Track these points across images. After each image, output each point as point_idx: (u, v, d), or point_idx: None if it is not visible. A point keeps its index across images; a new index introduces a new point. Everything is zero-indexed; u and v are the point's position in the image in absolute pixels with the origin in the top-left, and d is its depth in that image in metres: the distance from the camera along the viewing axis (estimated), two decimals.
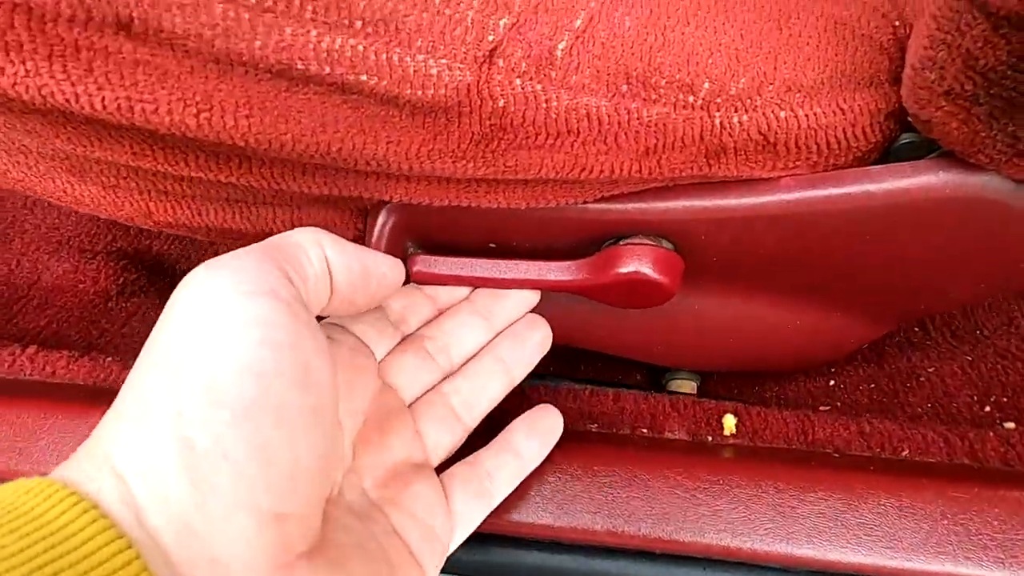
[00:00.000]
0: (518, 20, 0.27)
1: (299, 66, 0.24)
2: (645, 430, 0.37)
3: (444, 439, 0.33)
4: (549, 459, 0.34)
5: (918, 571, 0.31)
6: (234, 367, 0.22)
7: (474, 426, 0.34)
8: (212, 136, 0.25)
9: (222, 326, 0.22)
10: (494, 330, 0.36)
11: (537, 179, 0.30)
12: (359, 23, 0.25)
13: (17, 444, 0.38)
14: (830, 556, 0.31)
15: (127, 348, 0.52)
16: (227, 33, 0.23)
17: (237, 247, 0.26)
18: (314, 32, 0.24)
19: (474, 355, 0.36)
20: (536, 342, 0.36)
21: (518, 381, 0.36)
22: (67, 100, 0.24)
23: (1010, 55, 0.22)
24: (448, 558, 0.31)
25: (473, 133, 0.27)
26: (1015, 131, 0.25)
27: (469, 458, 0.33)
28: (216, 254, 0.61)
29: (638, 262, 0.33)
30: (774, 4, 0.31)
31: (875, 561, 0.31)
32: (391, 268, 0.30)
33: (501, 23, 0.27)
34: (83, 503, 0.20)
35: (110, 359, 0.43)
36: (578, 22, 0.28)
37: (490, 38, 0.26)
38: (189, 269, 0.65)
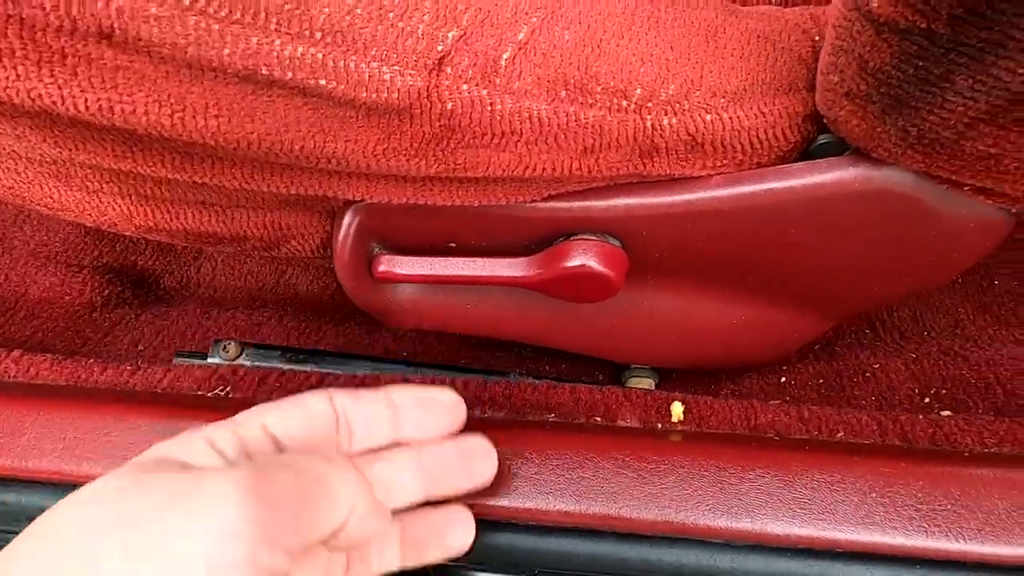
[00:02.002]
0: (466, 32, 0.30)
1: (264, 72, 0.27)
2: (599, 419, 0.39)
3: None
4: (506, 446, 0.37)
5: (849, 541, 0.33)
6: None
7: None
8: (185, 135, 0.28)
9: None
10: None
11: (486, 177, 0.32)
12: (319, 34, 0.27)
13: (1, 440, 0.40)
14: (768, 529, 0.34)
15: (109, 355, 0.54)
16: (199, 42, 0.26)
17: (217, 250, 0.28)
18: (278, 41, 0.27)
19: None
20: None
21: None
22: (54, 102, 0.26)
23: (892, 56, 0.25)
24: None
25: (424, 133, 0.30)
26: (904, 125, 0.27)
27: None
28: (199, 268, 0.63)
29: (584, 256, 0.35)
30: (703, 20, 0.34)
31: (809, 532, 0.33)
32: None
33: (450, 35, 0.30)
34: None
35: (91, 360, 0.45)
36: (521, 35, 0.31)
37: (439, 48, 0.29)
38: (173, 283, 0.66)
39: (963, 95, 0.25)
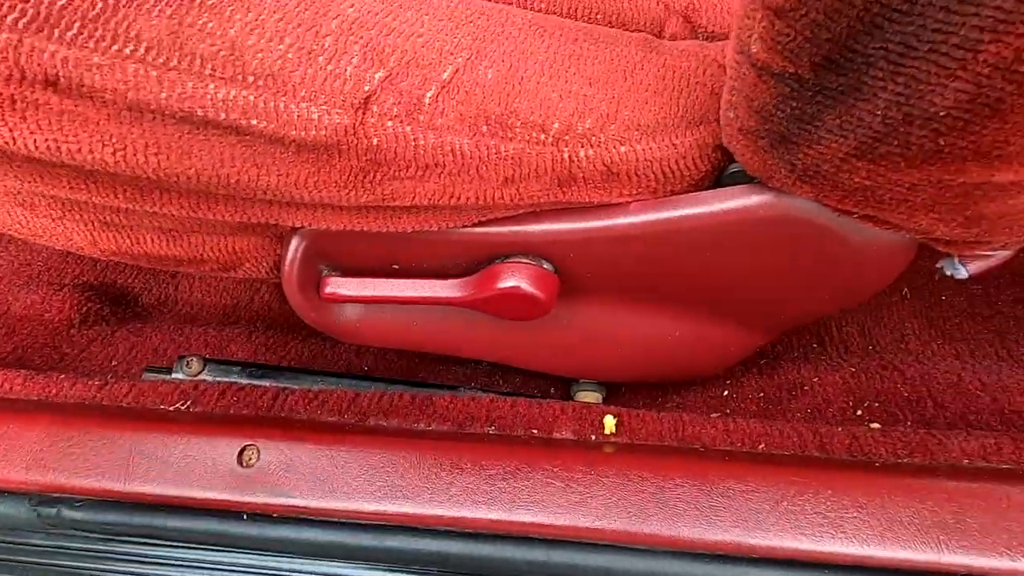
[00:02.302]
0: (391, 73, 0.32)
1: (199, 113, 0.29)
2: (536, 431, 0.41)
3: None
4: (445, 457, 0.39)
5: (761, 546, 0.35)
6: None
7: None
8: (128, 171, 0.30)
9: None
10: None
11: (416, 206, 0.35)
12: (251, 77, 0.30)
13: None
14: (683, 534, 0.35)
15: (84, 370, 0.56)
16: (138, 87, 0.29)
17: (181, 272, 0.30)
18: (212, 85, 0.29)
19: None
20: None
21: None
22: (5, 143, 0.29)
23: (771, 97, 0.28)
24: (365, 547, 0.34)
25: (352, 167, 0.32)
26: (790, 159, 0.30)
27: None
28: (176, 285, 0.66)
29: (515, 278, 0.38)
30: (623, 57, 0.36)
31: (723, 538, 0.35)
32: None
33: (376, 76, 0.32)
34: None
35: (63, 376, 0.47)
36: (445, 74, 0.33)
37: (366, 88, 0.32)
38: (151, 300, 0.68)
39: (834, 133, 0.27)
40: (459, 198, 0.34)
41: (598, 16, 0.43)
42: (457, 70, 0.34)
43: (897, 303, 0.59)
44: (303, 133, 0.31)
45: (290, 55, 0.31)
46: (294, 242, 0.39)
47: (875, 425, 0.45)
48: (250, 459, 0.40)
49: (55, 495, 0.41)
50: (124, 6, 0.29)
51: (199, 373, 0.47)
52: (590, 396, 0.50)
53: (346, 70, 0.32)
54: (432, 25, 0.34)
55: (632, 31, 0.43)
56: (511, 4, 0.42)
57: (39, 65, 0.27)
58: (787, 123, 0.28)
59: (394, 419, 0.43)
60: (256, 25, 0.31)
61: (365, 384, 0.48)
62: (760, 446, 0.40)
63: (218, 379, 0.48)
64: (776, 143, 0.30)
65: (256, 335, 0.58)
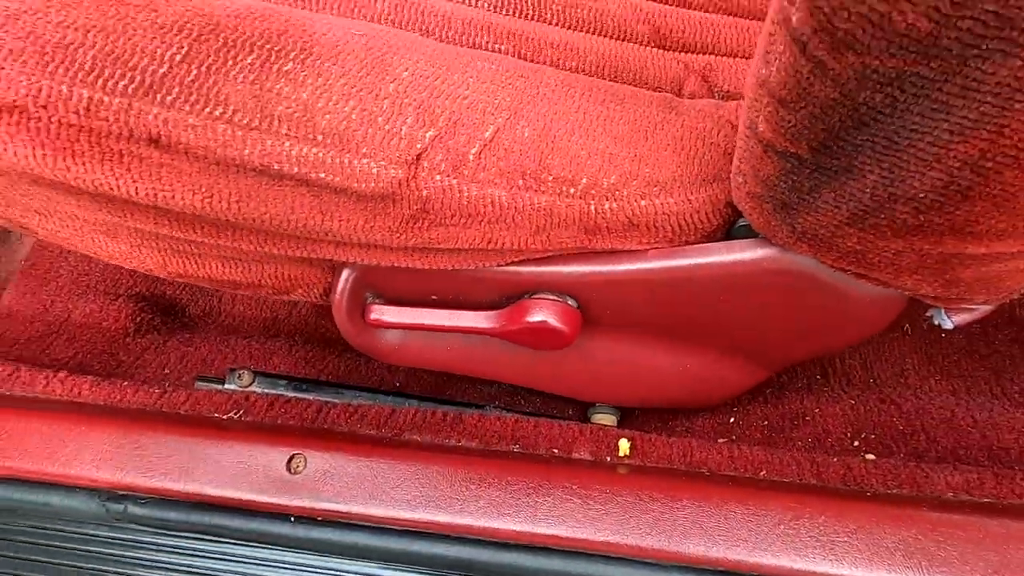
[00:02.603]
0: (440, 132, 0.37)
1: (276, 167, 0.34)
2: (557, 451, 0.45)
3: None
4: (473, 472, 0.43)
5: (759, 564, 0.39)
6: None
7: None
8: (213, 215, 0.35)
9: None
10: None
11: (456, 248, 0.39)
12: (320, 136, 0.34)
13: (48, 450, 0.47)
14: (689, 551, 0.39)
15: (140, 377, 0.61)
16: (225, 145, 0.33)
17: (236, 292, 0.35)
18: (287, 143, 0.34)
19: None
20: None
21: None
22: (111, 189, 0.33)
23: (775, 170, 0.32)
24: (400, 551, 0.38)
25: (404, 214, 0.36)
26: (791, 223, 0.34)
27: None
28: (220, 298, 0.70)
29: (543, 313, 0.42)
30: (646, 118, 0.41)
31: (725, 555, 0.39)
32: None
33: (427, 135, 0.36)
34: None
35: (126, 383, 0.52)
36: (487, 133, 0.38)
37: (418, 146, 0.36)
38: (197, 311, 0.73)
39: (829, 204, 0.31)
40: (495, 243, 0.38)
41: (623, 75, 0.47)
42: (498, 129, 0.38)
43: (898, 339, 0.62)
44: (364, 185, 0.35)
45: (354, 116, 0.35)
46: (345, 274, 0.43)
47: (870, 456, 0.49)
48: (298, 467, 0.44)
49: (122, 492, 0.46)
50: (214, 72, 0.34)
51: (249, 385, 0.52)
52: (606, 418, 0.54)
53: (401, 129, 0.36)
54: (476, 87, 0.39)
55: (654, 89, 0.47)
56: (545, 63, 0.46)
57: (144, 125, 0.32)
58: (788, 193, 0.32)
59: (427, 434, 0.47)
60: (325, 89, 0.35)
61: (400, 400, 0.52)
62: (762, 473, 0.43)
63: (266, 391, 0.52)
64: (779, 208, 0.33)
65: (296, 348, 0.63)
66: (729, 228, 0.39)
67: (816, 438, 0.52)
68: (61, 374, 0.53)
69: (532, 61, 0.46)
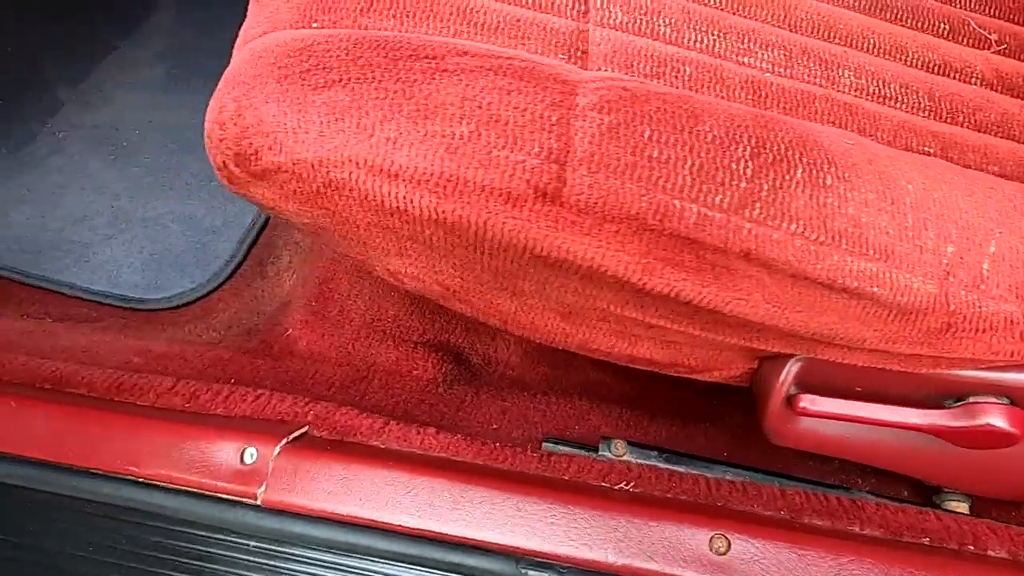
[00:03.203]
0: (958, 247, 0.38)
1: (839, 282, 0.35)
2: (971, 547, 0.46)
3: None
4: (884, 563, 0.43)
5: None
6: None
7: None
8: (767, 322, 0.37)
9: None
10: None
11: (938, 356, 0.40)
12: (871, 251, 0.36)
13: (388, 496, 0.48)
14: None
15: (465, 430, 0.63)
16: (800, 259, 0.35)
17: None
18: (848, 258, 0.36)
19: None
20: None
21: None
22: (690, 296, 0.35)
23: None
24: None
25: (931, 327, 0.38)
26: None
27: None
28: (496, 347, 0.72)
29: (994, 416, 0.43)
30: None
31: None
32: None
33: (949, 250, 0.38)
34: None
35: (459, 436, 0.53)
36: (992, 248, 0.39)
37: (944, 261, 0.37)
38: (478, 360, 0.74)
39: None
40: (996, 355, 0.39)
41: None
42: (999, 244, 0.39)
43: None
44: (904, 299, 0.37)
45: (890, 231, 0.37)
46: (789, 365, 0.44)
47: None
48: (720, 548, 0.46)
49: (541, 560, 0.47)
50: (779, 188, 0.35)
51: (623, 455, 0.53)
52: (960, 505, 0.54)
53: (927, 243, 0.37)
54: (964, 199, 0.40)
55: None
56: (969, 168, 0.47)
57: (739, 241, 0.34)
58: None
59: (826, 519, 0.48)
60: (863, 203, 0.37)
61: (770, 479, 0.53)
62: None
63: (639, 461, 0.54)
64: None
65: (614, 410, 0.64)
66: None
67: None
68: (396, 424, 0.54)
69: (959, 165, 0.47)
